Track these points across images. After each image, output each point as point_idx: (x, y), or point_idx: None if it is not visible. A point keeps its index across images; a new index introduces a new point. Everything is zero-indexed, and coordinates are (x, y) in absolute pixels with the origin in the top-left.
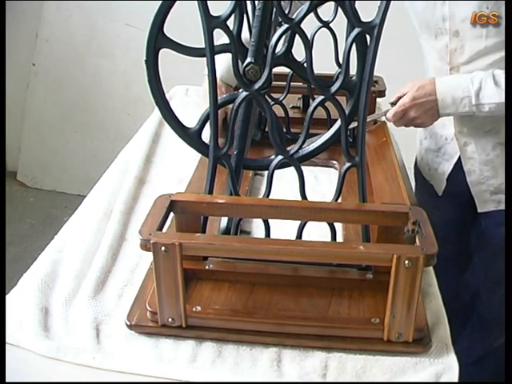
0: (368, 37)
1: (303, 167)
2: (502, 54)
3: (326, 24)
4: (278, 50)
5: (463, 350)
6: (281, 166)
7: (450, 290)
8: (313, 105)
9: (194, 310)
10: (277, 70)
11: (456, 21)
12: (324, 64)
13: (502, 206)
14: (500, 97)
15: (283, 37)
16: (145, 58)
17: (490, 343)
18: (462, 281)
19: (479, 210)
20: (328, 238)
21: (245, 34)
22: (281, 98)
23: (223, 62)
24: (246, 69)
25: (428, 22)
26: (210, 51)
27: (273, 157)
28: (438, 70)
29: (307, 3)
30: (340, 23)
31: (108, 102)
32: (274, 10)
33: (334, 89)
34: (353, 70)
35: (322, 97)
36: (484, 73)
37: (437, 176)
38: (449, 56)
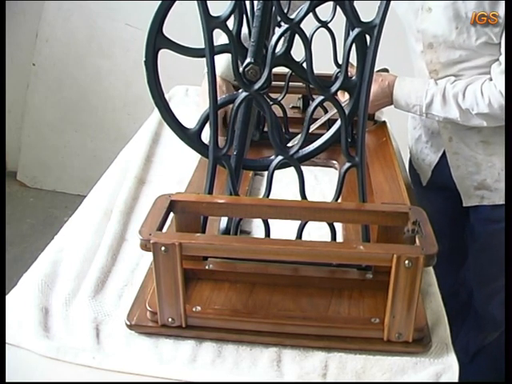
0: (368, 37)
1: (303, 167)
2: (477, 62)
3: (324, 24)
4: (277, 50)
5: (461, 349)
6: (281, 166)
7: (447, 286)
8: (312, 105)
9: (194, 310)
10: (276, 69)
11: (428, 35)
12: (322, 64)
13: (486, 202)
14: (445, 113)
15: (282, 37)
16: (144, 59)
17: (482, 339)
18: (459, 277)
19: (464, 204)
20: (328, 238)
21: (244, 30)
22: (279, 98)
23: (223, 58)
24: (246, 69)
25: (409, 27)
26: (210, 51)
27: (273, 157)
28: (420, 70)
29: (307, 3)
30: (338, 23)
31: (108, 102)
32: (274, 9)
33: (333, 89)
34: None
35: (322, 97)
36: (437, 87)
37: (423, 166)
38: (425, 63)
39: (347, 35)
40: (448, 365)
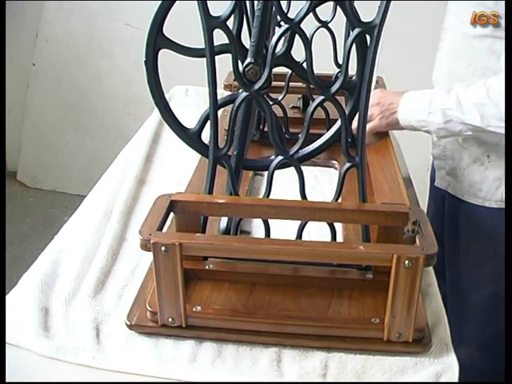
0: (368, 37)
1: (303, 167)
2: None
3: (324, 24)
4: (277, 50)
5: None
6: (281, 166)
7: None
8: (313, 105)
9: (194, 310)
10: (276, 69)
11: None
12: (322, 64)
13: (450, 190)
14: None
15: (283, 37)
16: (144, 59)
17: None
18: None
19: (435, 184)
20: (328, 238)
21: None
22: (279, 98)
23: None
24: (246, 69)
25: None
26: (210, 51)
27: (273, 157)
28: None
29: (307, 3)
30: (338, 23)
31: (108, 102)
32: (274, 9)
33: (334, 89)
34: (352, 70)
35: (322, 97)
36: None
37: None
38: None
39: (347, 35)
40: (448, 365)
